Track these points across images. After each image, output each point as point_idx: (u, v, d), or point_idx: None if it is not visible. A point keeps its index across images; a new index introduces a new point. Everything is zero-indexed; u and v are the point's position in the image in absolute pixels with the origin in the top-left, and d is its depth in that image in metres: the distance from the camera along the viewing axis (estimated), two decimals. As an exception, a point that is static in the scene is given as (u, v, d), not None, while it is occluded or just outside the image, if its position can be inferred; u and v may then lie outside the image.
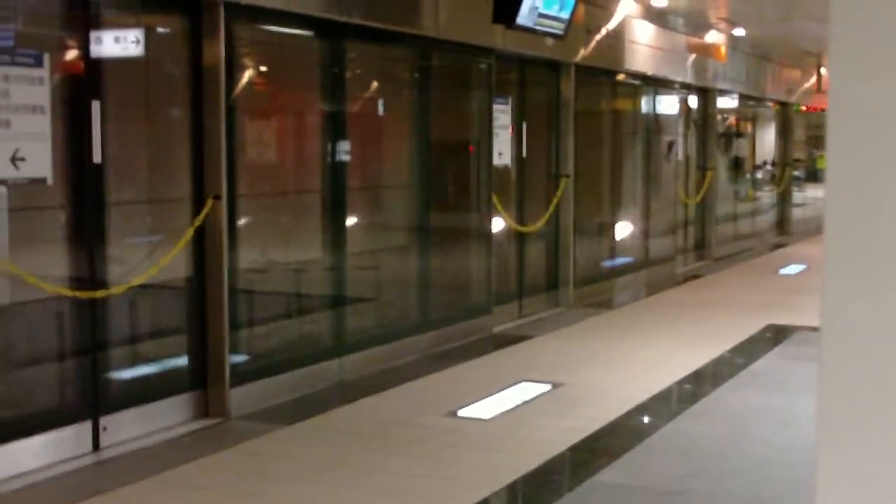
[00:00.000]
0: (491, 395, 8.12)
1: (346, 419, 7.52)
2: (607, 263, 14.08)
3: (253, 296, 8.11)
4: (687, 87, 16.79)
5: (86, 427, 6.63)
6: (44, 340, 6.79)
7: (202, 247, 7.47)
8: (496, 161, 11.10)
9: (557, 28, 10.60)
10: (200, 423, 7.34)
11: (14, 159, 6.07)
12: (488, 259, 10.92)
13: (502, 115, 11.23)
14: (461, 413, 7.63)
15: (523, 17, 9.89)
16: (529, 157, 12.05)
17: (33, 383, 6.71)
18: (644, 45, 14.48)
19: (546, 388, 8.36)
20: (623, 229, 14.55)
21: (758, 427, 7.34)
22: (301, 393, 8.11)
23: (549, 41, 11.15)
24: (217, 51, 7.40)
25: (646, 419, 7.69)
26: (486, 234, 10.93)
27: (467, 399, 7.98)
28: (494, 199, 10.96)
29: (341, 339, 8.78)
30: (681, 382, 8.71)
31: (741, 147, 20.43)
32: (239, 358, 7.69)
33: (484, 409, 7.74)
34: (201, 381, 7.49)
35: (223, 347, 7.46)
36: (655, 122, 15.68)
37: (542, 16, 10.19)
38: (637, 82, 14.80)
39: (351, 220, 9.07)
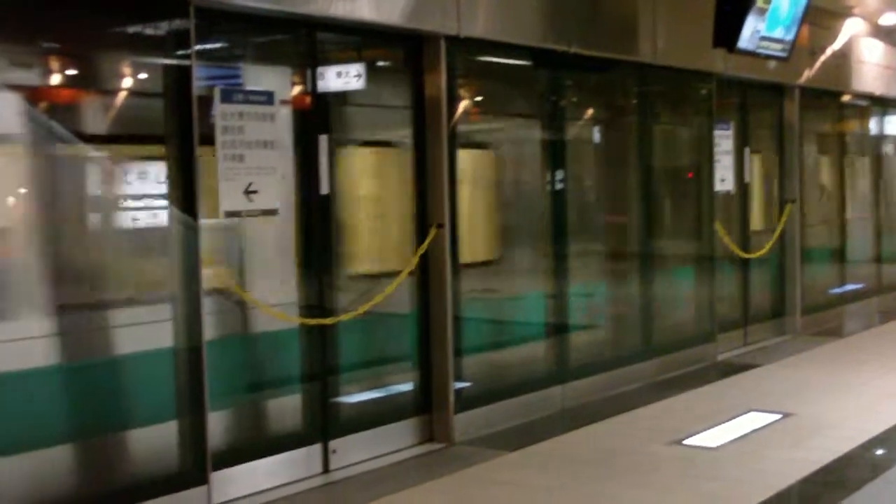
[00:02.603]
0: (717, 424, 7.95)
1: (570, 446, 7.49)
2: (837, 290, 13.60)
3: (476, 323, 8.18)
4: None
5: (316, 449, 6.83)
6: (277, 366, 7.03)
7: (426, 275, 7.61)
8: (718, 187, 10.91)
9: (781, 50, 10.35)
10: (425, 448, 7.45)
11: (247, 192, 6.33)
12: (712, 286, 10.72)
13: (724, 140, 11.05)
14: (687, 442, 7.49)
15: (745, 41, 9.69)
16: (753, 181, 11.81)
17: (269, 407, 6.96)
18: (873, 65, 13.98)
19: (775, 417, 8.12)
20: (853, 254, 14.03)
21: None
22: (524, 419, 8.13)
23: (772, 64, 10.91)
24: (439, 83, 7.55)
25: (883, 452, 7.36)
26: (710, 260, 10.74)
27: (693, 427, 7.83)
28: (717, 225, 10.78)
29: (564, 365, 8.77)
30: (920, 414, 8.33)
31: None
32: (463, 384, 7.78)
33: (711, 438, 7.57)
34: (426, 407, 7.61)
35: (448, 373, 7.56)
36: (886, 144, 15.10)
37: (764, 38, 9.97)
38: (865, 103, 14.30)
39: (572, 248, 9.06)
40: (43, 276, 5.52)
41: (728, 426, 7.89)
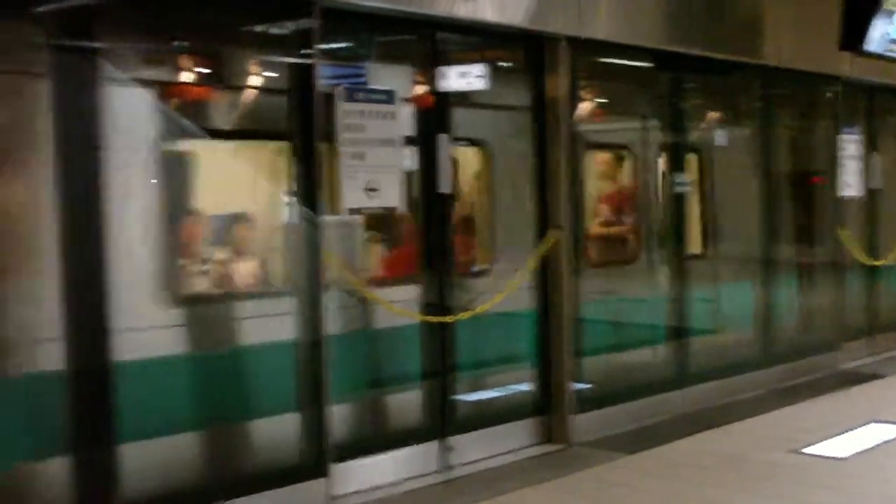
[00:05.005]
0: (838, 434, 7.78)
1: (688, 452, 7.40)
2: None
3: (595, 325, 8.14)
4: None
5: (434, 446, 6.87)
6: (397, 363, 7.09)
7: (545, 276, 7.60)
8: (844, 192, 10.69)
9: (909, 53, 10.14)
10: (543, 448, 7.44)
11: (368, 190, 6.40)
12: (837, 293, 10.51)
13: (850, 144, 10.82)
14: (806, 451, 7.34)
15: (873, 43, 9.52)
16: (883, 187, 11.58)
17: (389, 403, 7.03)
18: None
19: (900, 429, 7.95)
20: None
21: None
22: (642, 423, 8.07)
23: (901, 67, 10.68)
24: (560, 84, 7.55)
25: None
26: (834, 267, 10.53)
27: (813, 437, 7.67)
28: (842, 231, 10.57)
29: (684, 370, 8.68)
30: None
31: None
32: (581, 386, 7.75)
33: (831, 448, 7.41)
34: (544, 408, 7.60)
35: (566, 375, 7.55)
36: None
37: (893, 41, 9.77)
38: None
39: (691, 253, 8.98)
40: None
41: (849, 437, 7.72)
